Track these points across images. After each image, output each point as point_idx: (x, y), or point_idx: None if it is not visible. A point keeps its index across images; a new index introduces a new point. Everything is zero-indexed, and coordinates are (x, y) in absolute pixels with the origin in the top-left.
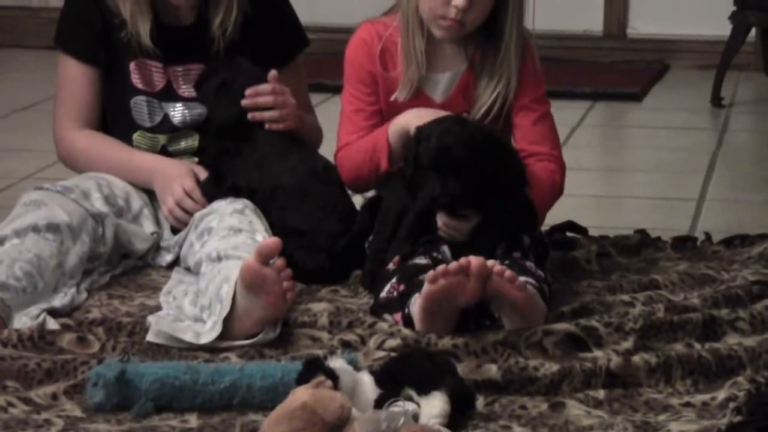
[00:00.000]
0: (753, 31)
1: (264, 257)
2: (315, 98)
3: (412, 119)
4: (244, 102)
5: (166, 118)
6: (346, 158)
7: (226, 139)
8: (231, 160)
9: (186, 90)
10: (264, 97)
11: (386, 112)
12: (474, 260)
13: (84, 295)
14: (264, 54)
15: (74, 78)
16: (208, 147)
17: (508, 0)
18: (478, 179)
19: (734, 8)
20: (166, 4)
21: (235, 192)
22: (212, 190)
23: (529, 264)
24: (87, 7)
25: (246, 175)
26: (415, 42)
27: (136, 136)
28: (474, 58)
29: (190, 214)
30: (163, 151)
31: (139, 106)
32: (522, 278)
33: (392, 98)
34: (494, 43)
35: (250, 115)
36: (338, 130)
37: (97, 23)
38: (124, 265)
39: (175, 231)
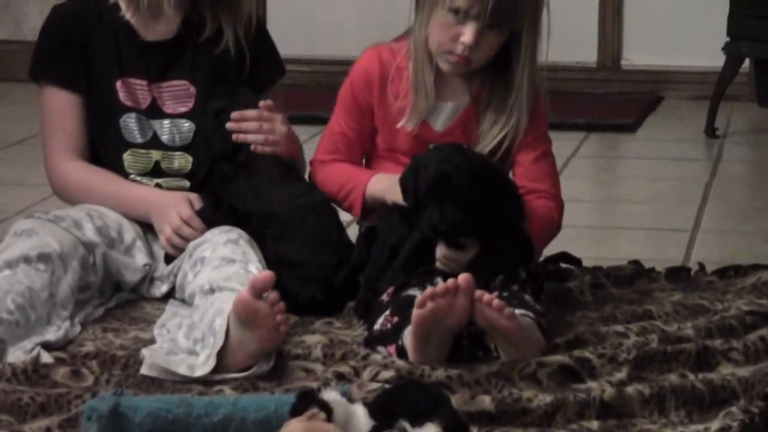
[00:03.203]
0: (746, 62)
1: (257, 291)
2: (311, 130)
3: (387, 190)
4: (228, 125)
5: (156, 134)
6: (318, 175)
7: (223, 163)
8: (229, 183)
9: (171, 106)
10: (248, 123)
11: (387, 140)
12: (462, 276)
13: (78, 328)
14: (244, 79)
15: (60, 107)
16: (202, 169)
17: (521, 44)
18: (477, 208)
19: (727, 39)
20: (146, 13)
21: (233, 215)
22: (211, 216)
23: (528, 297)
24: (67, 31)
25: (242, 199)
26: (424, 74)
27: (126, 155)
28: (479, 93)
29: (188, 241)
30: (157, 168)
31: (129, 123)
32: (520, 311)
33: (399, 125)
34: (503, 82)
35: (234, 137)
36: (320, 140)
37: (77, 46)
38: (118, 298)
39: (168, 260)
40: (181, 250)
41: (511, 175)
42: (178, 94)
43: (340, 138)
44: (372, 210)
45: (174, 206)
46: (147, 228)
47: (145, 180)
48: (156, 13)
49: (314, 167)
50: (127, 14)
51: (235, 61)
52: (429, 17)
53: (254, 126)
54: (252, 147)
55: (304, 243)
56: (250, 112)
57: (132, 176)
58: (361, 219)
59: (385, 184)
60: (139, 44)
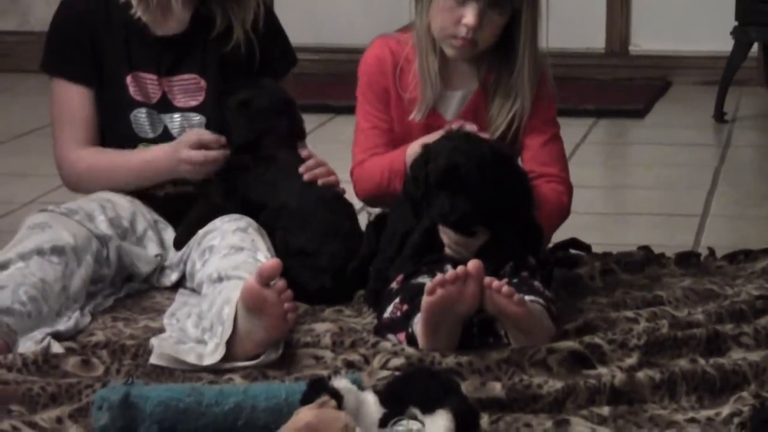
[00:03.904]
0: (755, 47)
1: (264, 279)
2: (319, 119)
3: None
4: (306, 176)
5: (167, 128)
6: (362, 176)
7: (244, 154)
8: (246, 174)
9: (182, 100)
10: (319, 169)
11: (401, 131)
12: (471, 263)
13: (88, 318)
14: (256, 69)
15: (70, 100)
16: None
17: (521, 21)
18: (487, 197)
19: (736, 24)
20: (155, 9)
21: (244, 205)
22: (222, 201)
23: (537, 284)
24: (74, 27)
25: (257, 190)
26: (428, 62)
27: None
28: (487, 78)
29: (209, 154)
30: None
31: (140, 118)
32: (529, 297)
33: (410, 118)
34: (508, 64)
35: (320, 182)
36: (353, 145)
37: (86, 41)
38: (128, 288)
39: (178, 246)
40: (212, 164)
41: (519, 159)
42: (188, 88)
43: (373, 132)
44: None
45: (181, 140)
46: (158, 216)
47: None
48: (165, 10)
49: (355, 174)
50: (138, 12)
51: (246, 53)
52: (429, 4)
53: (324, 170)
54: (320, 182)
55: (315, 234)
56: (311, 161)
57: None
58: None
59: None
60: (150, 39)
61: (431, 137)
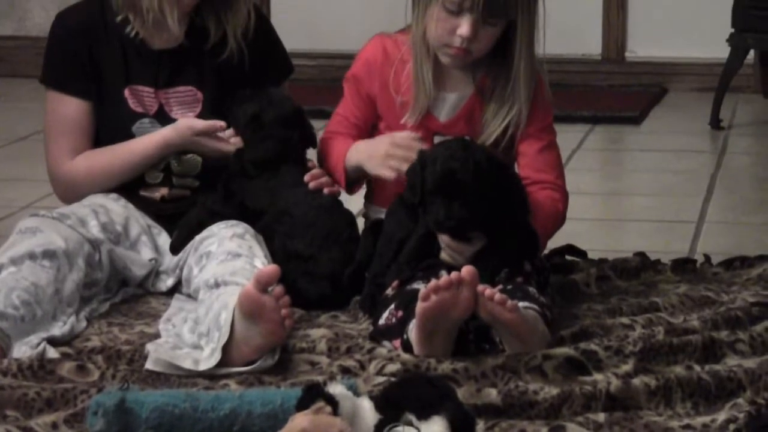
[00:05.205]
0: (751, 54)
1: (262, 285)
2: (316, 124)
3: (364, 158)
4: (312, 185)
5: None
6: (322, 150)
7: (246, 162)
8: (246, 181)
9: (179, 112)
10: (325, 178)
11: (392, 127)
12: (465, 269)
13: (84, 323)
14: (251, 79)
15: (68, 114)
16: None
17: (517, 30)
18: (482, 204)
19: (732, 31)
20: (152, 26)
21: (242, 210)
22: (219, 206)
23: (532, 290)
24: (72, 42)
25: (257, 198)
26: (423, 69)
27: None
28: (483, 83)
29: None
30: (167, 169)
31: (144, 128)
32: (523, 304)
33: (402, 121)
34: (505, 70)
35: (326, 191)
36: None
37: (85, 56)
38: (124, 293)
39: (175, 251)
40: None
41: (515, 166)
42: (185, 100)
43: (342, 120)
44: (357, 181)
45: (180, 125)
46: (152, 221)
47: (156, 179)
48: (161, 24)
49: (321, 140)
50: (135, 27)
51: (241, 61)
52: (425, 11)
53: (328, 180)
54: (326, 191)
55: (314, 239)
56: (316, 171)
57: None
58: (348, 192)
59: (361, 154)
60: (147, 53)
61: (362, 148)
